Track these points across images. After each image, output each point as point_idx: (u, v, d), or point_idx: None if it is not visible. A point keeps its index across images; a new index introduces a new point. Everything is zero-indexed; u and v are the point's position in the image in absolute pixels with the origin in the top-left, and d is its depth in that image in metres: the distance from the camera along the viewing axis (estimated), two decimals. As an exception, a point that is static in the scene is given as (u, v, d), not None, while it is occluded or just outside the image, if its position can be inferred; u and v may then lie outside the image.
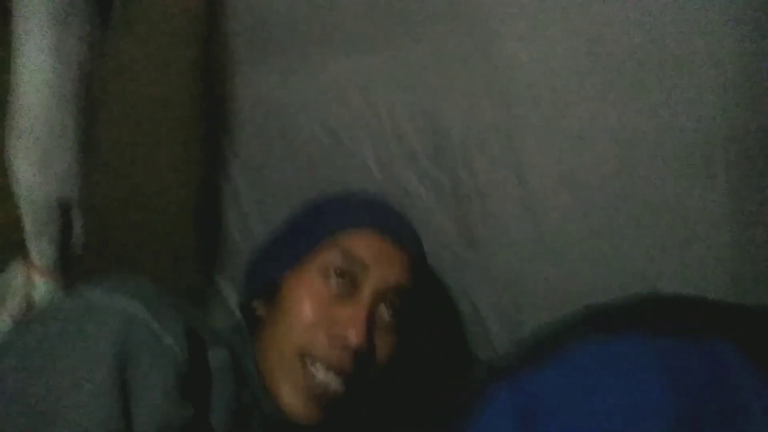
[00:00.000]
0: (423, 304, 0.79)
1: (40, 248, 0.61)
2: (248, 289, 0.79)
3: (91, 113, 0.59)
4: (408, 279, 0.72)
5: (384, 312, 0.69)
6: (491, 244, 0.85)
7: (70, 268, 0.62)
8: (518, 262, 0.84)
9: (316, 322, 0.66)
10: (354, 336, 0.64)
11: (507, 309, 0.89)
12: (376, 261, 0.69)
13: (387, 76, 0.84)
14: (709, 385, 0.49)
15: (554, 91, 0.76)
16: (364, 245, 0.70)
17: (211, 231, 1.03)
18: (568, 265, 0.81)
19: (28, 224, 0.60)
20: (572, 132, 0.78)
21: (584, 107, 0.76)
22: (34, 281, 0.60)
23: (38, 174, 0.58)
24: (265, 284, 0.73)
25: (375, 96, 0.85)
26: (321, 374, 0.65)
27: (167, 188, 0.95)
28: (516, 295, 0.87)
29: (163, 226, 0.97)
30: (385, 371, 0.70)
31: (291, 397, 0.65)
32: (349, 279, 0.68)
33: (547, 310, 0.85)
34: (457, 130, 0.83)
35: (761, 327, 0.56)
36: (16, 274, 0.61)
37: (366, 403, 0.73)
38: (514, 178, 0.82)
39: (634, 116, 0.73)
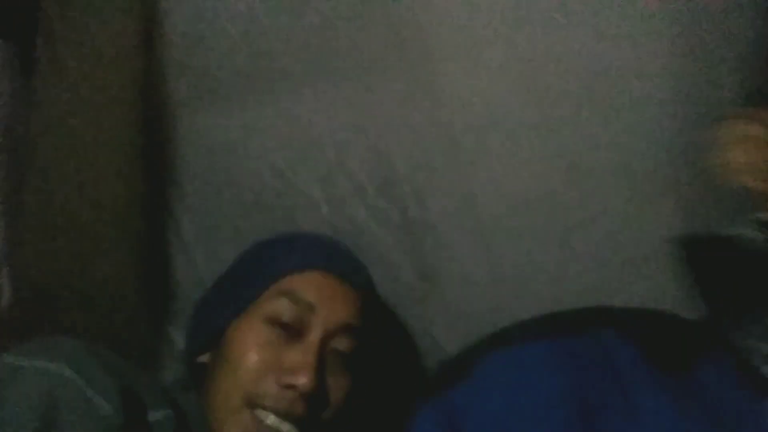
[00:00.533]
0: (380, 339, 0.78)
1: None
2: (194, 341, 0.76)
3: (16, 170, 0.55)
4: (358, 316, 0.70)
5: (335, 352, 0.67)
6: (445, 275, 0.85)
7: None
8: (474, 292, 0.84)
9: (264, 369, 0.64)
10: (304, 381, 0.62)
11: (468, 340, 0.88)
12: (323, 301, 0.67)
13: (331, 113, 0.83)
14: (597, 369, 0.59)
15: (497, 122, 0.78)
16: (309, 287, 0.68)
17: (159, 282, 0.99)
18: (526, 293, 0.81)
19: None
20: (520, 160, 0.81)
21: (527, 136, 0.78)
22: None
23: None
24: (211, 335, 0.71)
25: (319, 133, 0.84)
26: (271, 420, 0.63)
27: (109, 245, 0.91)
28: (475, 326, 0.86)
29: (108, 284, 0.93)
30: (341, 411, 0.68)
31: None
32: (297, 322, 0.66)
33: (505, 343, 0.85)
34: (404, 163, 0.83)
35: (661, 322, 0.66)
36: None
37: None
38: (465, 207, 0.82)
39: (575, 144, 0.77)
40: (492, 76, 0.76)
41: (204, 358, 0.72)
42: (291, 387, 0.62)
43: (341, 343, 0.67)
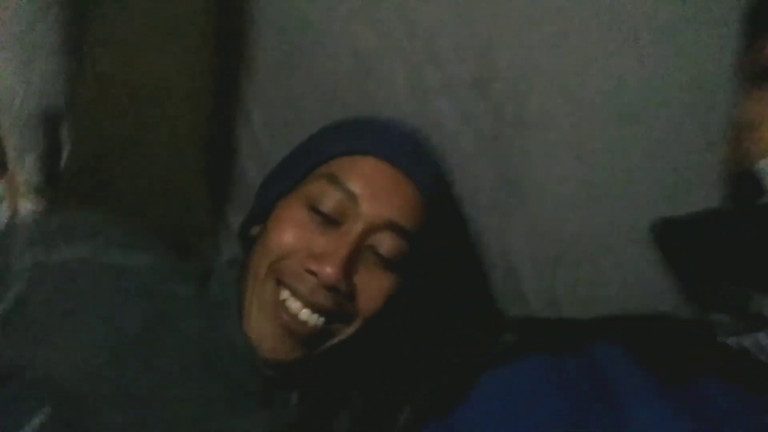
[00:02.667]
0: (445, 250, 0.71)
1: (25, 166, 0.53)
2: (248, 216, 0.72)
3: (80, 9, 0.49)
4: (413, 218, 0.62)
5: (376, 253, 0.60)
6: (533, 189, 0.76)
7: (55, 191, 0.54)
8: (561, 209, 0.76)
9: (293, 249, 0.59)
10: (329, 270, 0.56)
11: (544, 262, 0.80)
12: (371, 192, 0.60)
13: (429, -5, 0.73)
14: (589, 384, 0.56)
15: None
16: (355, 173, 0.61)
17: (223, 165, 0.95)
18: (622, 219, 0.72)
19: (14, 138, 0.52)
20: (636, 68, 0.70)
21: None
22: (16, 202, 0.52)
23: (19, 79, 0.49)
24: (261, 209, 0.67)
25: (412, 16, 0.75)
26: (293, 305, 0.58)
27: (173, 113, 0.87)
28: (555, 247, 0.79)
29: (169, 157, 0.89)
30: (377, 319, 0.62)
31: (259, 322, 0.58)
32: (337, 211, 0.60)
33: (585, 264, 0.78)
34: (505, 59, 0.73)
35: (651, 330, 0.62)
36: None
37: (357, 350, 0.65)
38: (565, 115, 0.72)
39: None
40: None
41: (254, 230, 0.68)
42: (313, 273, 0.57)
43: (385, 244, 0.60)
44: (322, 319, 0.58)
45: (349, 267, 0.58)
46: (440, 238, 0.67)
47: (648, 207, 0.70)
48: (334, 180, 0.60)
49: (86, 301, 0.54)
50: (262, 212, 0.66)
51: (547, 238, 0.79)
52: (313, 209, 0.60)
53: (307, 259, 0.58)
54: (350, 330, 0.60)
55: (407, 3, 0.75)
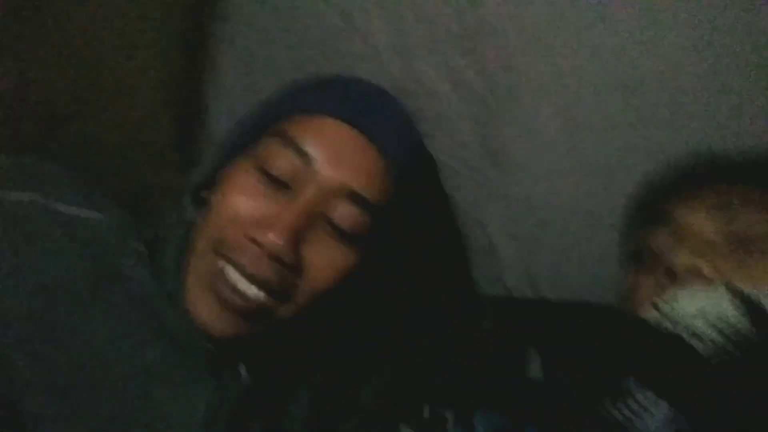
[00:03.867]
0: (416, 224, 0.65)
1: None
2: (201, 179, 0.64)
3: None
4: (376, 187, 0.55)
5: (331, 223, 0.54)
6: (519, 159, 0.72)
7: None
8: (546, 182, 0.72)
9: (235, 216, 0.53)
10: (272, 237, 0.50)
11: (524, 239, 0.77)
12: (327, 155, 0.54)
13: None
14: None
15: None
16: (310, 134, 0.54)
17: (193, 123, 0.89)
18: (602, 187, 0.69)
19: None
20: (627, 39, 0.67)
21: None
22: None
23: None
24: (213, 173, 0.60)
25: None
26: (232, 275, 0.52)
27: (142, 64, 0.81)
28: (537, 224, 0.76)
29: (136, 113, 0.84)
30: (328, 297, 0.56)
31: (196, 295, 0.52)
32: (289, 175, 0.54)
33: (567, 241, 0.75)
34: (495, 17, 0.68)
35: None
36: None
37: (314, 326, 0.59)
38: (557, 79, 0.68)
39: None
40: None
41: (205, 194, 0.60)
42: (256, 242, 0.51)
43: (341, 213, 0.54)
44: (262, 294, 0.52)
45: (296, 236, 0.51)
46: (409, 211, 0.60)
47: (639, 182, 0.67)
48: (287, 140, 0.54)
49: (33, 243, 0.50)
50: (212, 176, 0.59)
51: (528, 212, 0.75)
52: (263, 172, 0.54)
53: (251, 227, 0.52)
54: (296, 306, 0.54)
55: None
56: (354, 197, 0.54)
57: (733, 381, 0.45)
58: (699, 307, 0.48)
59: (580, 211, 0.71)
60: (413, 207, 0.61)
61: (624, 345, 0.53)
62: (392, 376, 0.69)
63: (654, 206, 0.59)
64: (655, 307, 0.51)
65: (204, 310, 0.51)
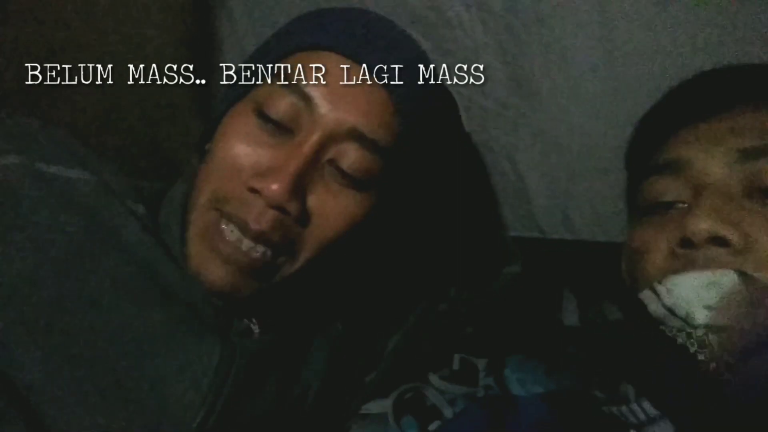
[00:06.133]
0: (433, 166, 0.61)
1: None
2: (206, 128, 0.60)
3: None
4: (384, 127, 0.51)
5: (339, 167, 0.50)
6: (549, 90, 0.66)
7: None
8: (580, 113, 0.66)
9: (235, 166, 0.49)
10: (274, 187, 0.47)
11: (557, 176, 0.72)
12: (329, 94, 0.49)
13: None
14: None
15: None
16: (313, 72, 0.49)
17: (208, 71, 0.85)
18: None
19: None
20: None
21: None
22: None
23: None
24: (215, 122, 0.56)
25: None
26: (235, 236, 0.49)
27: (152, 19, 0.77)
28: (571, 159, 0.70)
29: (148, 64, 0.81)
30: (348, 244, 0.52)
31: (199, 252, 0.49)
32: (290, 117, 0.49)
33: (605, 176, 0.69)
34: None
35: None
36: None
37: (329, 277, 0.56)
38: (593, 5, 0.62)
39: None
40: None
41: (209, 145, 0.57)
42: (257, 192, 0.48)
43: (348, 157, 0.50)
44: (269, 250, 0.49)
45: (300, 184, 0.48)
46: (424, 151, 0.56)
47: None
48: (285, 79, 0.50)
49: (20, 206, 0.47)
50: (214, 126, 0.55)
51: (562, 149, 0.70)
52: (263, 117, 0.50)
53: (252, 177, 0.48)
54: (304, 259, 0.51)
55: None
56: (360, 139, 0.50)
57: (725, 389, 0.39)
58: (700, 299, 0.41)
59: (619, 147, 0.65)
60: (429, 147, 0.56)
61: (622, 347, 0.47)
62: (420, 326, 0.66)
63: (661, 146, 0.49)
64: (654, 292, 0.44)
65: (207, 268, 0.49)
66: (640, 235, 0.49)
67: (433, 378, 0.62)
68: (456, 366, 0.64)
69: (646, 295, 0.45)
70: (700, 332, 0.41)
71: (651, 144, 0.51)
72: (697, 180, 0.46)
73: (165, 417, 0.46)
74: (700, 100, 0.50)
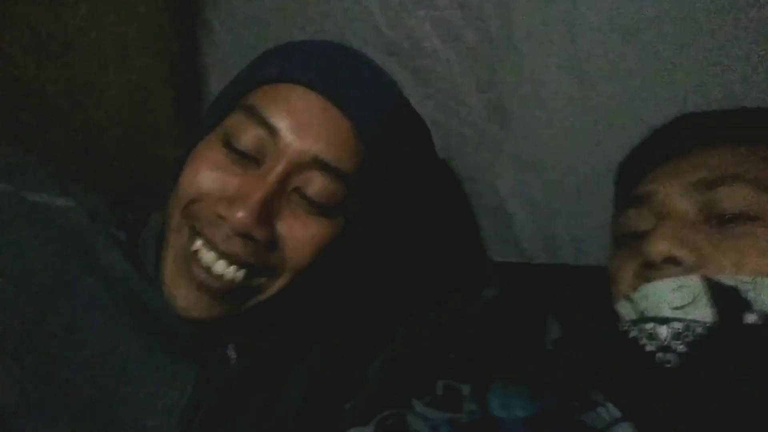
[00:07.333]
0: (403, 192, 0.61)
1: None
2: (183, 155, 0.60)
3: None
4: (347, 155, 0.52)
5: (304, 195, 0.51)
6: (525, 117, 0.68)
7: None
8: (558, 138, 0.67)
9: (205, 192, 0.51)
10: (240, 214, 0.48)
11: (538, 200, 0.73)
12: (293, 125, 0.50)
13: None
14: None
15: None
16: (276, 103, 0.51)
17: (193, 96, 0.87)
18: (619, 141, 0.64)
19: None
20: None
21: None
22: None
23: None
24: (188, 153, 0.57)
25: None
26: (206, 256, 0.50)
27: (136, 43, 0.79)
28: (550, 181, 0.71)
29: (134, 90, 0.83)
30: (320, 269, 0.53)
31: (173, 277, 0.50)
32: (256, 148, 0.51)
33: (584, 198, 0.70)
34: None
35: None
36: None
37: (304, 302, 0.57)
38: (560, 30, 0.63)
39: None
40: None
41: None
42: (222, 218, 0.49)
43: (313, 185, 0.51)
44: (241, 272, 0.50)
45: (266, 212, 0.49)
46: (390, 177, 0.57)
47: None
48: (251, 112, 0.51)
49: (6, 232, 0.49)
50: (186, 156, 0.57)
51: (539, 173, 0.70)
52: (230, 147, 0.51)
53: (219, 204, 0.49)
54: (278, 284, 0.52)
55: None
56: (324, 168, 0.51)
57: (692, 392, 0.43)
58: (668, 301, 0.46)
59: (593, 169, 0.65)
60: (396, 172, 0.58)
61: (596, 357, 0.51)
62: (402, 351, 0.66)
63: (634, 184, 0.55)
64: (628, 300, 0.49)
65: (180, 295, 0.50)
66: (614, 263, 0.55)
67: (416, 404, 0.62)
68: (439, 392, 0.64)
69: (620, 305, 0.50)
70: (649, 325, 0.45)
71: (627, 184, 0.57)
72: (659, 209, 0.51)
73: None
74: (666, 144, 0.56)
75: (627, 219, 0.54)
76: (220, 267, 0.49)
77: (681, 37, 0.61)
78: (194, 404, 0.49)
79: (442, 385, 0.64)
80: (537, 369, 0.65)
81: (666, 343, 0.44)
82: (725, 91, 0.60)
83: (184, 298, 0.49)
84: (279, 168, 0.50)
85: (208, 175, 0.50)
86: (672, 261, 0.47)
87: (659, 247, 0.47)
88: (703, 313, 0.44)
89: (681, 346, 0.44)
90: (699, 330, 0.44)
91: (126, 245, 0.53)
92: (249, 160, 0.51)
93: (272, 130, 0.50)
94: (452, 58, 0.68)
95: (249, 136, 0.51)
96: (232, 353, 0.54)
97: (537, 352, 0.70)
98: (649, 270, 0.48)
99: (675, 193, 0.51)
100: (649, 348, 0.45)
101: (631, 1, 0.62)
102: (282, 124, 0.50)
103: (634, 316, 0.47)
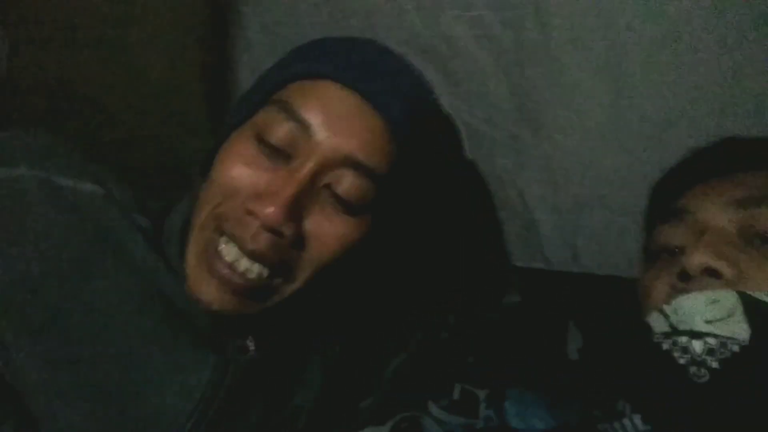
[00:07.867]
0: (432, 194, 0.61)
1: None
2: (210, 150, 0.60)
3: None
4: (379, 154, 0.51)
5: (334, 192, 0.51)
6: (557, 122, 0.67)
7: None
8: (588, 147, 0.66)
9: (235, 189, 0.50)
10: (270, 210, 0.48)
11: (565, 208, 0.72)
12: (326, 122, 0.50)
13: None
14: None
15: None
16: (311, 100, 0.51)
17: (222, 88, 0.87)
18: (649, 153, 0.63)
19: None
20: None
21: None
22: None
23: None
24: (218, 144, 0.57)
25: None
26: (231, 253, 0.50)
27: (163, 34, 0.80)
28: (578, 192, 0.70)
29: (162, 78, 0.83)
30: (343, 267, 0.53)
31: (196, 273, 0.50)
32: (288, 143, 0.50)
33: (611, 209, 0.69)
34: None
35: None
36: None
37: (327, 299, 0.57)
38: (601, 39, 0.62)
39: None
40: None
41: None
42: (252, 214, 0.49)
43: (343, 183, 0.51)
44: (266, 270, 0.50)
45: (296, 208, 0.49)
46: (420, 178, 0.56)
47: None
48: (285, 107, 0.51)
49: (28, 216, 0.49)
50: (219, 146, 0.56)
51: (568, 182, 0.69)
52: (262, 142, 0.51)
53: (250, 199, 0.49)
54: (299, 282, 0.52)
55: None
56: (356, 166, 0.50)
57: (725, 410, 0.43)
58: (702, 314, 0.45)
59: (623, 179, 0.64)
60: (426, 173, 0.57)
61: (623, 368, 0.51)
62: (419, 352, 0.66)
63: (671, 201, 0.55)
64: (661, 312, 0.48)
65: (203, 289, 0.50)
66: (647, 276, 0.54)
67: (433, 407, 0.61)
68: (456, 396, 0.63)
69: (653, 317, 0.49)
70: (683, 339, 0.45)
71: (664, 199, 0.57)
72: (698, 226, 0.51)
73: (154, 425, 0.48)
74: (708, 163, 0.56)
75: (663, 233, 0.54)
76: (245, 264, 0.49)
77: (720, 45, 0.60)
78: (212, 390, 0.50)
79: (459, 388, 0.64)
80: (558, 377, 0.65)
81: (700, 358, 0.44)
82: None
83: (207, 293, 0.50)
84: (310, 164, 0.49)
85: (241, 171, 0.50)
86: (711, 273, 0.47)
87: (700, 258, 0.47)
88: (737, 328, 0.44)
89: (715, 363, 0.43)
90: (734, 348, 0.43)
91: (149, 232, 0.53)
92: (280, 155, 0.50)
93: (305, 126, 0.50)
94: (486, 60, 0.67)
95: (281, 131, 0.50)
96: (250, 344, 0.54)
97: (558, 360, 0.69)
98: (686, 282, 0.48)
99: (715, 209, 0.50)
100: (681, 362, 0.44)
101: (670, 5, 0.60)
102: (315, 120, 0.50)
103: (666, 329, 0.47)
